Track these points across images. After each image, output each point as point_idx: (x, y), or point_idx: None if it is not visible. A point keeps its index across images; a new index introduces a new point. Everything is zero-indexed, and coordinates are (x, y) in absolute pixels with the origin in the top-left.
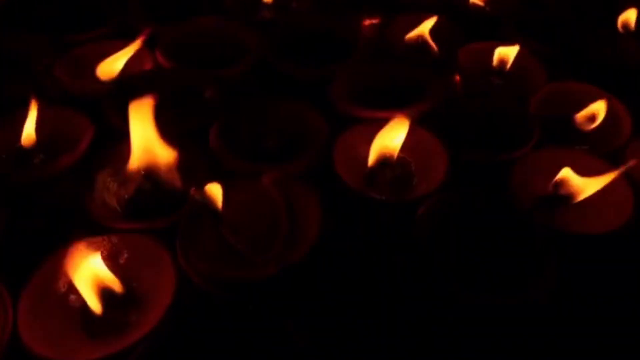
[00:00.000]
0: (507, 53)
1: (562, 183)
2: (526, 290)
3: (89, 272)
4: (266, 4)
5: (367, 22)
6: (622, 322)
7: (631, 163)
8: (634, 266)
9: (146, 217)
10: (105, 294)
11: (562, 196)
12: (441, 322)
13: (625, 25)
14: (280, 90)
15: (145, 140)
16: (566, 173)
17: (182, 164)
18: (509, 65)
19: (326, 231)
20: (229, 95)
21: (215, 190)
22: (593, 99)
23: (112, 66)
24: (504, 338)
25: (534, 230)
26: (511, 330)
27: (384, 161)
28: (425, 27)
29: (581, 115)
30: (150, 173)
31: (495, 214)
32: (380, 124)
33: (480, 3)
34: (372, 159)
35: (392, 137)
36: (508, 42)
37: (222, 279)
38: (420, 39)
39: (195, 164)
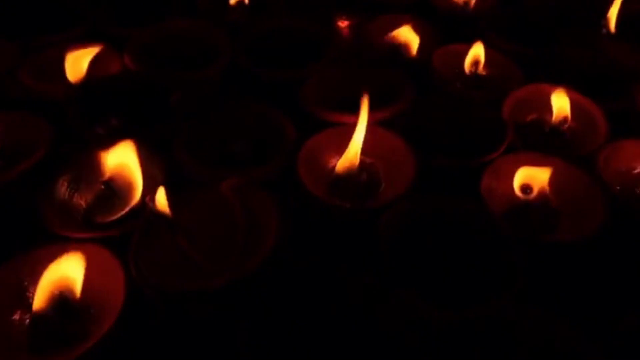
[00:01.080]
0: (478, 54)
1: (528, 186)
2: (490, 301)
3: (56, 277)
4: (240, 6)
5: (343, 23)
6: (593, 331)
7: None
8: (605, 273)
9: (103, 225)
10: (60, 302)
11: (533, 200)
12: (402, 335)
13: (607, 26)
14: (251, 93)
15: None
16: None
17: (143, 170)
18: (481, 66)
19: (283, 241)
20: (197, 99)
21: (170, 198)
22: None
23: (76, 65)
24: (469, 348)
25: (502, 238)
26: (477, 339)
27: (350, 167)
28: (402, 30)
29: (554, 117)
30: (109, 181)
31: (462, 220)
32: (348, 128)
33: (459, 3)
34: (338, 165)
35: (356, 143)
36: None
37: (172, 290)
38: (395, 41)
39: (156, 170)
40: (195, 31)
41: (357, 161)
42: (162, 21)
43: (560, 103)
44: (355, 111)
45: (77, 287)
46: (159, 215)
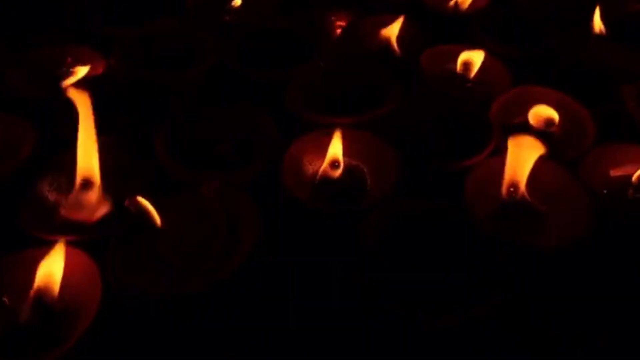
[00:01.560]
0: (471, 58)
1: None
2: (472, 307)
3: (36, 279)
4: (230, 6)
5: (334, 23)
6: (577, 339)
7: None
8: (590, 279)
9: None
10: (38, 305)
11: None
12: (385, 340)
13: (598, 26)
14: (239, 94)
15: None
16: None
17: (127, 172)
18: (473, 72)
19: (263, 244)
20: (183, 99)
21: (151, 201)
22: (554, 104)
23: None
24: (452, 352)
25: (486, 242)
26: (460, 346)
27: (334, 170)
28: (392, 30)
29: (539, 120)
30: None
31: (446, 224)
32: (332, 130)
33: (450, 4)
34: (322, 167)
35: (339, 145)
36: (473, 46)
37: (147, 293)
38: (384, 42)
39: (139, 171)
40: (183, 31)
41: (340, 164)
42: (150, 21)
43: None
44: (343, 112)
45: (56, 289)
46: (139, 218)
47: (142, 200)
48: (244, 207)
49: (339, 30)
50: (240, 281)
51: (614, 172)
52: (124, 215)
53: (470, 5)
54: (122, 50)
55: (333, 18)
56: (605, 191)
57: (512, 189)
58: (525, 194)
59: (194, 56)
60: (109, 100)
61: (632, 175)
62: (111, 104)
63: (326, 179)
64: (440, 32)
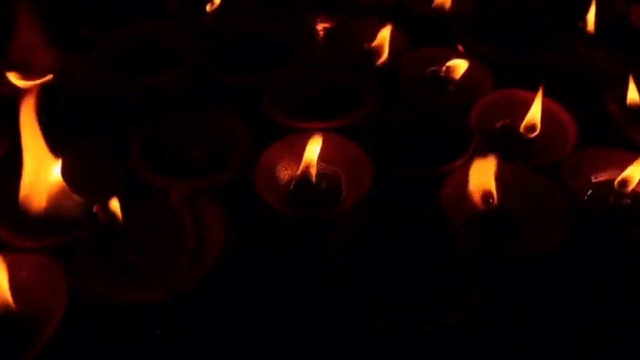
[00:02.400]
0: (455, 63)
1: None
2: (443, 316)
3: None
4: (212, 9)
5: (317, 27)
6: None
7: None
8: (568, 285)
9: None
10: None
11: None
12: (355, 349)
13: (585, 28)
14: (217, 98)
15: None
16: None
17: (99, 176)
18: (457, 76)
19: (233, 252)
20: (158, 104)
21: (120, 207)
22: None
23: None
24: None
25: (463, 250)
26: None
27: (308, 176)
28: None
29: (522, 125)
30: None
31: (420, 231)
32: (307, 135)
33: (435, 6)
34: (298, 172)
35: (314, 151)
36: (457, 53)
37: (113, 302)
38: (366, 45)
39: (111, 176)
40: (162, 34)
41: (314, 170)
42: (130, 23)
43: (531, 110)
44: (320, 117)
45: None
46: (108, 223)
47: (111, 205)
48: (212, 214)
49: (321, 34)
50: (208, 289)
51: (596, 178)
52: (93, 220)
53: (454, 7)
54: (98, 52)
55: (318, 21)
56: (586, 196)
57: (489, 199)
58: (497, 202)
59: (172, 59)
60: (84, 103)
61: (614, 180)
62: (86, 106)
63: (301, 185)
64: (424, 35)
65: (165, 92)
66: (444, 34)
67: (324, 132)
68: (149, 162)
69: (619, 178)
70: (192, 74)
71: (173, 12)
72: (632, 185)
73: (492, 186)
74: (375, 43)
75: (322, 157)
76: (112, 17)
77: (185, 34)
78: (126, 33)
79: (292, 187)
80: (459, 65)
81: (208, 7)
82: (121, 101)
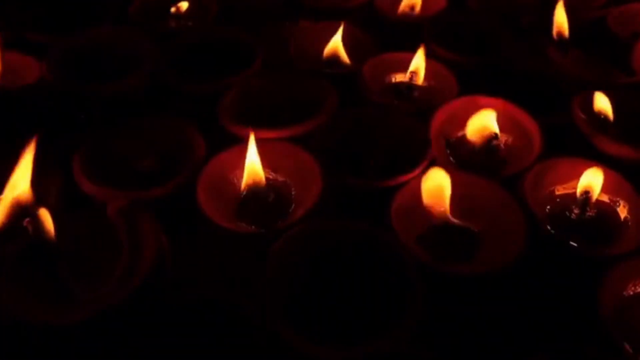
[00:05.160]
0: (417, 66)
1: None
2: (374, 341)
3: None
4: (174, 14)
5: (282, 32)
6: None
7: None
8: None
9: None
10: None
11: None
12: None
13: (559, 33)
14: (175, 106)
15: None
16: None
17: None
18: (419, 81)
19: (167, 269)
20: (113, 111)
21: (53, 219)
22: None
23: None
24: None
25: (407, 267)
26: None
27: (256, 187)
28: (336, 38)
29: (479, 135)
30: None
31: (366, 247)
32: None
33: (404, 9)
34: (243, 184)
35: (254, 159)
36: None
37: (31, 322)
38: (329, 50)
39: (49, 186)
40: (120, 40)
41: (261, 181)
42: (88, 28)
43: (486, 120)
44: (276, 125)
45: None
46: (40, 238)
47: (41, 216)
48: (148, 228)
49: (286, 39)
50: (138, 307)
51: (559, 190)
52: (22, 233)
53: (423, 11)
54: (55, 58)
55: (285, 25)
56: (547, 210)
57: (442, 212)
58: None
59: (129, 66)
60: (36, 109)
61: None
62: (37, 113)
63: (249, 196)
64: (391, 39)
65: (121, 98)
66: (414, 38)
67: (276, 140)
68: (95, 173)
69: (580, 189)
70: (148, 80)
71: (135, 16)
72: (595, 195)
73: (446, 199)
74: (339, 48)
75: (273, 166)
76: (70, 22)
77: (144, 39)
78: (83, 38)
79: (241, 198)
80: (421, 70)
81: (173, 10)
82: (74, 108)
